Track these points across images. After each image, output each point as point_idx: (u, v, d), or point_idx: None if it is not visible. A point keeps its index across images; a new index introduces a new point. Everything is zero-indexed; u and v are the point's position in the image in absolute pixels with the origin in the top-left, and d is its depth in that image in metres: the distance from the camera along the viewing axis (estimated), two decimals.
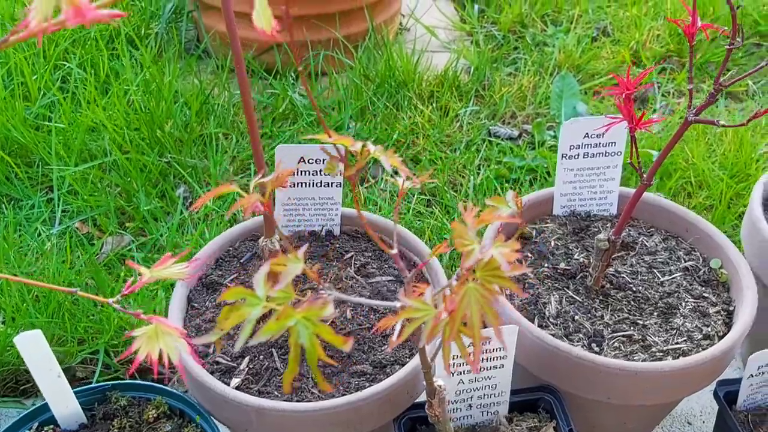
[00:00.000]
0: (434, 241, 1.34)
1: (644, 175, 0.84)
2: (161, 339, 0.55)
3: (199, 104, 1.60)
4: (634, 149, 0.82)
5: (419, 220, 1.39)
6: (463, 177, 1.53)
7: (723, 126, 0.72)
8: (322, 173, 0.99)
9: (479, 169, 1.55)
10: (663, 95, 1.74)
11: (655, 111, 1.68)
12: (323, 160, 0.98)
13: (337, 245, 1.02)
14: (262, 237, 0.84)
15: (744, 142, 1.47)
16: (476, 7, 2.08)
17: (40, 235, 1.33)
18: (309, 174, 0.99)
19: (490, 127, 1.65)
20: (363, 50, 1.79)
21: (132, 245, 1.34)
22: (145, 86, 1.60)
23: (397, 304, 0.50)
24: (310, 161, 0.97)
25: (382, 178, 1.52)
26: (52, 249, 1.29)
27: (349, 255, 1.00)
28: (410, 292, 0.58)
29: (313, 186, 1.00)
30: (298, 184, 0.99)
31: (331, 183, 1.00)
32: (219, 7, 1.79)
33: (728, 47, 0.69)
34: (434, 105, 1.69)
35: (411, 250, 1.00)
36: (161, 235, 1.35)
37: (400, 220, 1.38)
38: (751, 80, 1.78)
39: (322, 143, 0.55)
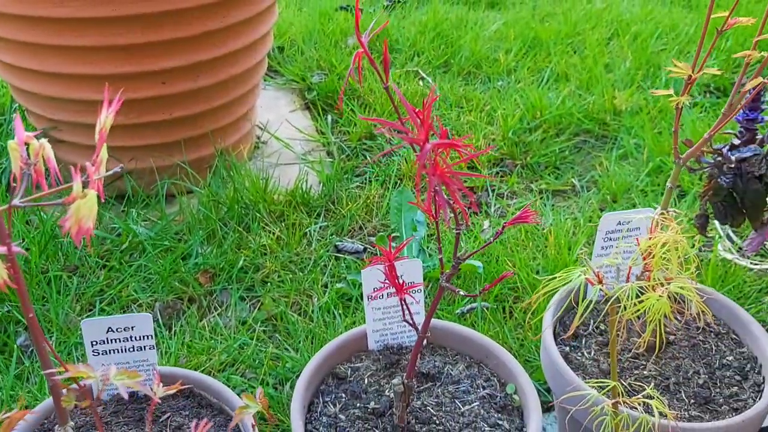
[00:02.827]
0: (274, 372, 1.38)
1: (419, 329, 0.92)
2: None
3: (43, 243, 1.61)
4: (407, 312, 0.90)
5: (261, 349, 1.43)
6: (310, 297, 1.59)
7: (464, 295, 0.81)
8: (133, 339, 1.03)
9: (326, 287, 1.61)
10: (497, 198, 1.87)
11: (489, 215, 1.80)
12: (132, 327, 1.02)
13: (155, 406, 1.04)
14: (57, 426, 0.86)
15: (562, 246, 1.60)
16: (329, 118, 2.19)
17: None
18: (119, 341, 1.02)
19: (337, 243, 1.72)
20: (213, 174, 1.85)
21: None
22: None
23: None
24: (119, 329, 1.01)
25: (223, 312, 1.56)
26: None
27: (166, 416, 1.03)
28: None
29: (125, 351, 1.03)
30: (110, 351, 1.02)
31: (144, 346, 1.04)
32: (68, 141, 1.82)
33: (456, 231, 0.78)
34: (284, 223, 1.76)
35: (225, 403, 1.04)
36: (1, 389, 1.34)
37: (240, 354, 1.42)
38: (576, 178, 1.94)
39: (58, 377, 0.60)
